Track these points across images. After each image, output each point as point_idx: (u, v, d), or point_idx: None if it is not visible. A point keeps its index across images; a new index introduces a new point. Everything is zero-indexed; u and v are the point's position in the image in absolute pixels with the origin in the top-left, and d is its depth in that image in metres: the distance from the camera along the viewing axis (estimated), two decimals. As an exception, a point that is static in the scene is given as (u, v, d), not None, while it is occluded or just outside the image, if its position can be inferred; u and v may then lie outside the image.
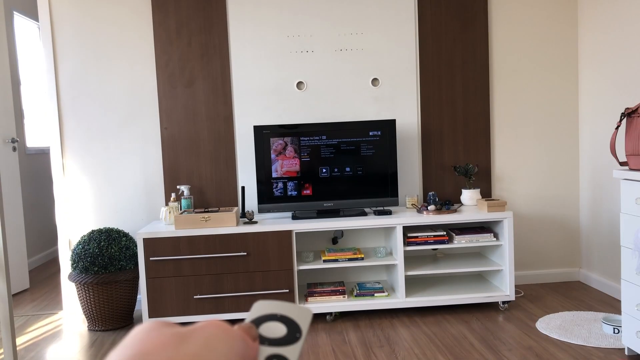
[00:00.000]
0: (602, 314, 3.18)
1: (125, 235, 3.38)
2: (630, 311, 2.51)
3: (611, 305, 3.37)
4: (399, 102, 3.68)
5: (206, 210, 3.39)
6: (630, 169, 2.53)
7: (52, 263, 5.21)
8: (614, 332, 2.87)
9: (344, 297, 3.28)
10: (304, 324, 0.41)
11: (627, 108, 2.54)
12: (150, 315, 3.14)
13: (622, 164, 2.65)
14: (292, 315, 0.42)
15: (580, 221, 3.88)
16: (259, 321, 0.41)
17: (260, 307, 0.43)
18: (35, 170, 5.28)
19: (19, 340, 3.21)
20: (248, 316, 0.42)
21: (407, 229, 3.39)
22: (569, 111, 3.83)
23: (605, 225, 3.60)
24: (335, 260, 3.27)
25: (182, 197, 3.43)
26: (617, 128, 2.63)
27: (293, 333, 0.41)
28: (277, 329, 0.41)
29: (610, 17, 3.44)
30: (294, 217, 3.35)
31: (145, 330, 0.34)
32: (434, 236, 3.31)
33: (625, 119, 2.58)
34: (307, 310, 0.42)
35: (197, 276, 3.15)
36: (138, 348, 0.32)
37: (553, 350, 2.73)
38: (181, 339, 0.33)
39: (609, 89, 3.49)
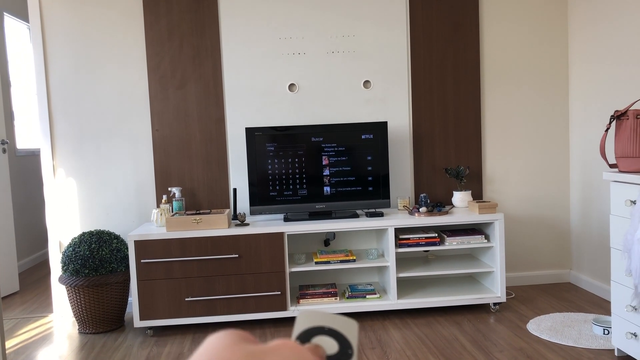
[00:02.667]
0: (592, 315, 3.20)
1: (116, 237, 3.36)
2: (620, 312, 2.53)
3: (601, 306, 3.40)
4: (390, 104, 3.69)
5: (198, 212, 3.38)
6: (620, 171, 2.55)
7: (42, 265, 5.17)
8: (604, 333, 2.89)
9: (336, 299, 3.28)
10: (352, 338, 0.39)
11: (617, 111, 2.56)
12: (142, 318, 3.13)
13: (611, 166, 2.67)
14: (340, 328, 0.40)
15: (570, 223, 3.90)
16: (308, 334, 0.39)
17: (307, 319, 0.40)
18: (26, 172, 5.24)
19: (9, 344, 3.18)
20: (295, 327, 0.40)
21: (398, 231, 3.40)
22: (559, 113, 3.85)
23: (595, 227, 3.62)
24: (327, 262, 3.27)
25: (174, 199, 3.42)
26: (606, 130, 2.65)
27: (345, 349, 0.38)
28: (329, 345, 0.39)
29: (600, 20, 3.47)
30: (286, 219, 3.35)
31: (222, 343, 0.33)
32: (426, 238, 3.32)
33: (614, 121, 2.60)
34: (353, 323, 0.40)
35: (188, 278, 3.14)
36: None
37: (544, 352, 2.74)
38: (254, 358, 0.32)
39: (599, 92, 3.51)
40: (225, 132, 3.62)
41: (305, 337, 0.39)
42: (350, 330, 0.40)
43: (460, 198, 3.56)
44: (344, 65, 3.66)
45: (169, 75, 3.58)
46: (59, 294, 3.62)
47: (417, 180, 3.73)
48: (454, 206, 3.61)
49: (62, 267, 3.27)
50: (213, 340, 0.34)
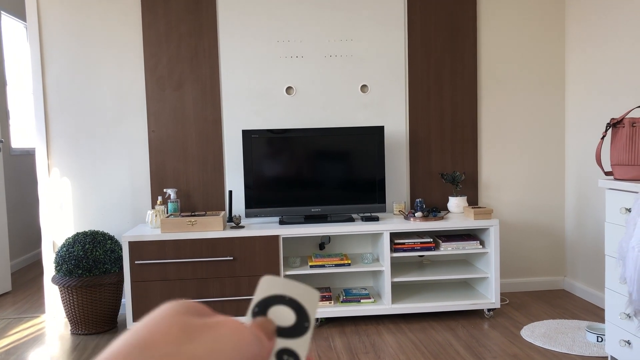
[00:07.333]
0: (586, 322, 3.20)
1: (111, 238, 3.35)
2: (613, 320, 2.53)
3: (595, 313, 3.40)
4: (387, 108, 3.70)
5: (193, 214, 3.37)
6: (615, 179, 2.56)
7: (36, 265, 5.14)
8: (597, 341, 2.90)
9: (330, 302, 3.27)
10: (312, 310, 0.39)
11: (613, 119, 2.57)
12: (135, 320, 3.11)
13: (607, 173, 2.68)
14: (300, 299, 0.39)
15: (565, 230, 3.91)
16: (267, 302, 0.39)
17: (269, 285, 0.39)
18: (20, 171, 5.22)
19: (0, 344, 3.16)
20: (256, 294, 0.39)
21: (394, 236, 3.39)
22: (555, 121, 3.86)
23: (590, 234, 3.63)
24: (322, 266, 3.26)
25: (169, 201, 3.41)
26: (602, 138, 2.65)
27: (302, 322, 0.38)
28: (286, 316, 0.38)
29: (597, 28, 3.49)
30: (281, 222, 3.34)
31: (163, 314, 0.33)
32: (421, 243, 3.32)
33: (610, 129, 2.61)
34: (314, 293, 0.39)
35: (182, 280, 3.13)
36: (141, 337, 0.31)
37: (537, 358, 2.74)
38: (190, 335, 0.31)
39: (595, 100, 3.53)
40: (222, 134, 3.62)
41: (264, 305, 0.38)
42: (311, 301, 0.39)
43: (455, 203, 3.57)
44: (341, 69, 3.66)
45: (166, 76, 3.57)
46: (52, 294, 3.60)
47: (412, 185, 3.73)
48: (449, 211, 3.61)
49: (56, 267, 3.25)
50: (161, 309, 0.34)
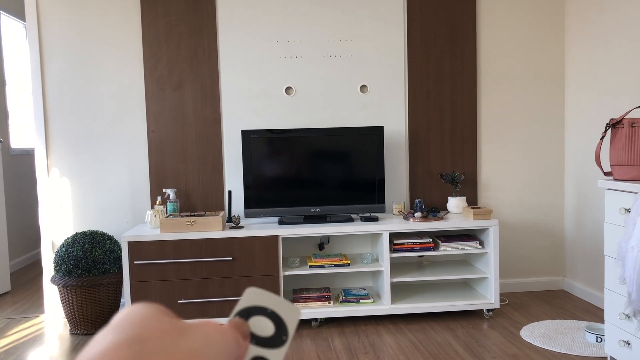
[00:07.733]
0: (585, 322, 3.20)
1: (110, 238, 3.34)
2: (613, 320, 2.53)
3: (594, 314, 3.40)
4: (387, 108, 3.70)
5: (192, 214, 3.37)
6: (615, 179, 2.56)
7: (35, 265, 5.14)
8: (596, 341, 2.90)
9: (330, 303, 3.27)
10: (292, 325, 0.40)
11: (612, 119, 2.57)
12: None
13: (606, 174, 2.68)
14: (282, 313, 0.41)
15: (565, 230, 3.91)
16: (248, 312, 0.40)
17: (253, 296, 0.41)
18: (19, 171, 5.22)
19: (-1, 344, 3.16)
20: (239, 303, 0.41)
21: (393, 236, 3.39)
22: (555, 121, 3.86)
23: (589, 235, 3.63)
24: (322, 266, 3.26)
25: (168, 201, 3.41)
26: (601, 138, 2.66)
27: (280, 335, 0.40)
28: (265, 327, 0.40)
29: (596, 29, 3.49)
30: (281, 223, 3.34)
31: (144, 314, 0.33)
32: (420, 243, 3.32)
33: (609, 129, 2.61)
34: (296, 311, 0.41)
35: (182, 280, 3.13)
36: (137, 332, 0.31)
37: (536, 359, 2.74)
38: (181, 332, 0.33)
39: (594, 100, 3.53)
40: (221, 134, 3.61)
41: (246, 314, 0.40)
42: (292, 317, 0.41)
43: (455, 204, 3.57)
44: (341, 69, 3.66)
45: (166, 76, 3.57)
46: (51, 294, 3.60)
47: (412, 185, 3.73)
48: (448, 212, 3.61)
49: (55, 267, 3.25)
50: (133, 310, 0.34)
